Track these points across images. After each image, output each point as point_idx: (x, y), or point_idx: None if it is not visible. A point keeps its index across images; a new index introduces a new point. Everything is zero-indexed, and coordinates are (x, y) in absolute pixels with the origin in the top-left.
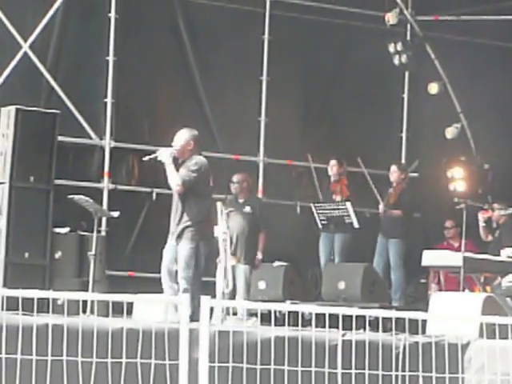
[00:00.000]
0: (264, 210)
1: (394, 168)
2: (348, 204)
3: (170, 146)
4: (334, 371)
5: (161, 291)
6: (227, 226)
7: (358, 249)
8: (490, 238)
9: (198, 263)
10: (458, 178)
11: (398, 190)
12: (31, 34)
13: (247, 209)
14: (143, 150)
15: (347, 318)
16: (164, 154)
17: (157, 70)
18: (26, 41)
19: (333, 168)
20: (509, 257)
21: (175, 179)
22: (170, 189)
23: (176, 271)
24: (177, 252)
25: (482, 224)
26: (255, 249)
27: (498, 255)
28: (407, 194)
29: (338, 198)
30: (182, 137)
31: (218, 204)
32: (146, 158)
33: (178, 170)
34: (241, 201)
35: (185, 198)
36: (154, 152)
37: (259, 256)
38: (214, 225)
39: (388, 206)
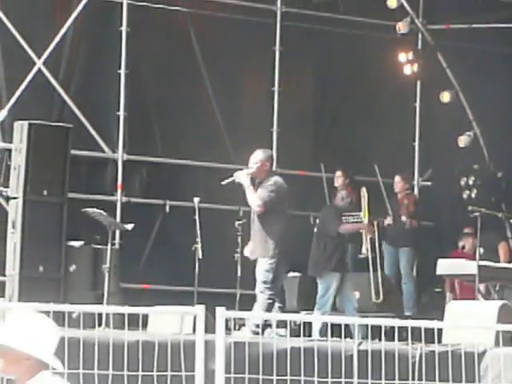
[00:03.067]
0: None
1: (398, 178)
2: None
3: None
4: (351, 381)
5: (175, 303)
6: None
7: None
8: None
9: (277, 278)
10: (471, 187)
11: (413, 199)
12: (44, 49)
13: None
14: (156, 163)
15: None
16: (241, 176)
17: (168, 82)
18: (39, 57)
19: (338, 179)
20: None
21: (255, 200)
22: (182, 201)
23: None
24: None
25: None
26: None
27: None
28: (421, 203)
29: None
30: (258, 157)
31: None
32: (224, 182)
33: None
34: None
35: (263, 219)
36: (167, 164)
37: None
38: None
39: (409, 215)
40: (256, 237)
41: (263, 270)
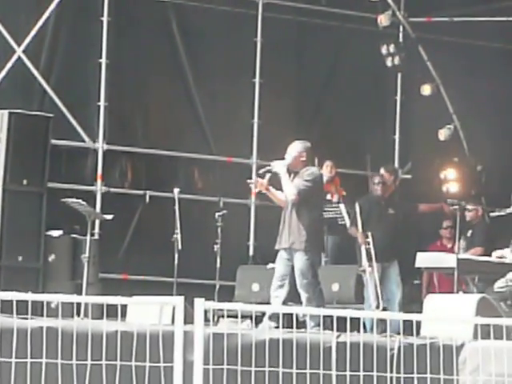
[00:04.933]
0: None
1: (382, 170)
2: (341, 206)
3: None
4: (329, 373)
5: (154, 293)
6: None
7: (348, 250)
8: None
9: (315, 273)
10: (451, 180)
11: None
12: (24, 37)
13: (391, 210)
14: (136, 153)
15: (341, 320)
16: (278, 166)
17: (150, 72)
18: (19, 45)
19: (331, 170)
20: (498, 257)
21: (291, 189)
22: (162, 191)
23: (287, 283)
24: (292, 263)
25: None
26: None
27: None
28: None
29: (334, 198)
30: (295, 148)
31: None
32: (261, 171)
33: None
34: (383, 202)
35: (297, 209)
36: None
37: None
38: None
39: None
40: (291, 228)
41: (303, 266)
